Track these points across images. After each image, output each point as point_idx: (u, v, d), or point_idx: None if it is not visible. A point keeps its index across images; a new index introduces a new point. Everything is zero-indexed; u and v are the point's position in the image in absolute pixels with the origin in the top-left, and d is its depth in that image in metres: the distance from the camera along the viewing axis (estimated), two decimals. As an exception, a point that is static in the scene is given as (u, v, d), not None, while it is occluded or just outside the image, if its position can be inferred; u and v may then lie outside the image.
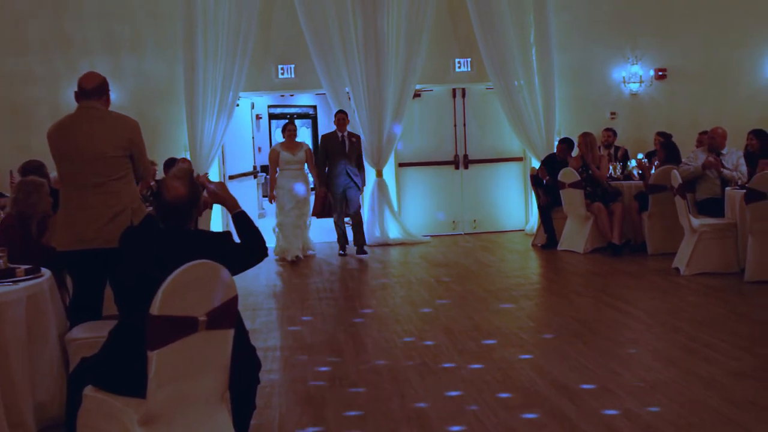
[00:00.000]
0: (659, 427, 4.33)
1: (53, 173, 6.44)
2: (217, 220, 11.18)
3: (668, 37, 12.29)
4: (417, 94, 12.19)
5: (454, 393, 5.05)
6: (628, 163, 10.88)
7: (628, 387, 5.00)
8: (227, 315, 3.52)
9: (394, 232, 11.70)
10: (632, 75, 12.28)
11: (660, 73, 12.34)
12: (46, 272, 4.69)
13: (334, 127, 10.81)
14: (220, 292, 3.47)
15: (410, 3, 11.44)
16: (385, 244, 11.51)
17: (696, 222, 8.39)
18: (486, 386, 5.14)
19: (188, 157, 11.04)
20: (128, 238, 3.80)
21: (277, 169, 10.55)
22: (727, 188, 8.65)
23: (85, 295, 4.96)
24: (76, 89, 5.10)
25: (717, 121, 9.96)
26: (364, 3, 11.38)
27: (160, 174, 9.55)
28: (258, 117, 15.92)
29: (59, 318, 4.71)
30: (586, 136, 10.41)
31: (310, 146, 11.29)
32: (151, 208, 5.81)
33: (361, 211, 10.91)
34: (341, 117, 10.70)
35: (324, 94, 12.02)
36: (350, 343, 6.39)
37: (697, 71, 12.29)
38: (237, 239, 3.91)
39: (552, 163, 10.76)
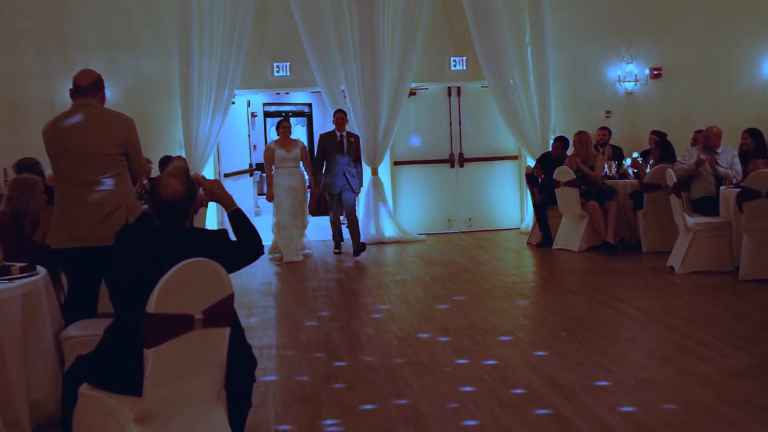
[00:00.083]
0: (654, 425, 4.34)
1: (48, 171, 6.42)
2: (212, 218, 11.17)
3: (663, 36, 12.32)
4: (412, 93, 12.19)
5: (449, 391, 5.05)
6: (623, 162, 10.90)
7: (623, 385, 5.01)
8: (223, 313, 3.51)
9: (389, 231, 11.70)
10: (627, 74, 12.31)
11: (655, 72, 12.36)
12: (41, 270, 4.68)
13: (329, 126, 10.78)
14: (216, 290, 3.46)
15: (406, 1, 11.45)
16: (381, 243, 11.51)
17: (691, 220, 8.41)
18: (482, 384, 5.15)
19: (183, 154, 11.02)
20: (124, 236, 3.79)
21: (273, 166, 10.49)
22: (722, 187, 8.67)
23: (80, 293, 4.95)
24: (71, 87, 5.09)
25: (712, 120, 10.00)
26: (359, 1, 11.38)
27: (155, 172, 9.52)
28: (253, 115, 15.90)
29: (54, 316, 4.70)
30: (581, 135, 10.42)
31: (305, 144, 11.25)
32: (146, 206, 5.81)
33: (356, 212, 10.80)
34: (340, 116, 10.60)
35: (319, 92, 12.00)
36: (346, 341, 6.39)
37: (692, 70, 12.33)
38: (233, 237, 3.90)
39: (547, 162, 10.76)
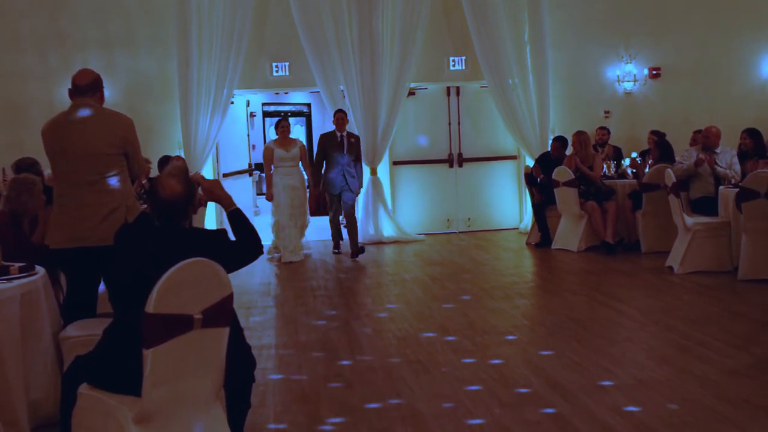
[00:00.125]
0: (653, 425, 4.34)
1: (47, 170, 6.41)
2: (211, 217, 11.17)
3: (662, 36, 12.32)
4: (411, 93, 12.19)
5: (448, 391, 5.05)
6: (622, 162, 10.90)
7: (622, 385, 5.01)
8: (222, 313, 3.51)
9: (388, 231, 11.70)
10: (626, 74, 12.31)
11: (654, 72, 12.37)
12: (40, 270, 4.67)
13: (328, 126, 10.76)
14: (215, 290, 3.46)
15: (405, 1, 11.45)
16: (380, 243, 11.50)
17: (690, 220, 8.41)
18: (480, 384, 5.15)
19: (182, 154, 11.01)
20: (123, 236, 3.79)
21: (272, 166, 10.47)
22: (721, 187, 8.67)
23: (79, 293, 4.95)
24: (70, 86, 5.08)
25: (710, 120, 10.00)
26: (359, 1, 11.38)
27: (154, 172, 9.52)
28: (252, 115, 15.89)
29: (53, 316, 4.69)
30: (580, 135, 10.43)
31: (304, 144, 11.24)
32: (145, 206, 5.81)
33: (356, 213, 10.73)
34: (340, 116, 10.54)
35: (318, 92, 12.00)
36: (345, 341, 6.39)
37: (691, 70, 12.33)
38: (232, 237, 3.90)
39: (546, 162, 10.76)
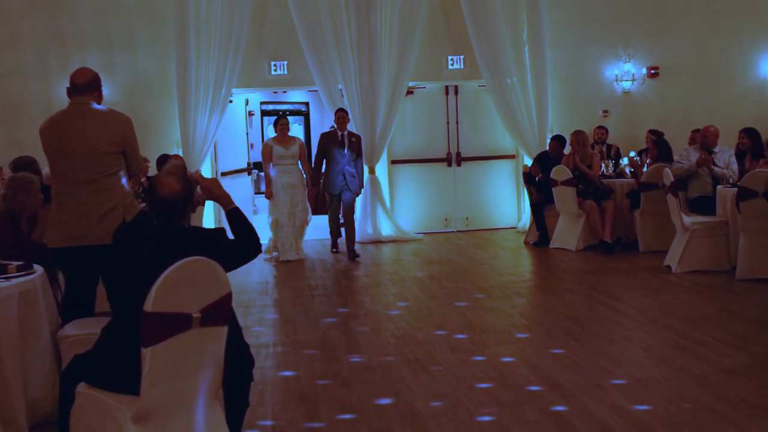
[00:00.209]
0: (651, 424, 4.34)
1: (46, 169, 6.40)
2: (209, 216, 11.16)
3: (661, 36, 12.33)
4: (410, 92, 12.19)
5: (446, 390, 5.05)
6: (620, 161, 10.91)
7: (620, 384, 5.01)
8: (221, 312, 3.51)
9: (386, 230, 11.69)
10: (624, 73, 12.32)
11: (652, 72, 12.38)
12: (38, 269, 4.67)
13: (326, 125, 10.74)
14: (213, 288, 3.46)
15: (404, 0, 11.43)
16: (378, 242, 11.50)
17: (688, 220, 8.42)
18: (479, 383, 5.15)
19: (181, 153, 11.00)
20: (121, 235, 3.79)
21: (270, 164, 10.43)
22: (719, 186, 8.68)
23: (77, 292, 4.94)
24: (68, 85, 5.08)
25: (709, 119, 10.01)
26: (357, 0, 11.37)
27: (152, 171, 9.51)
28: (250, 114, 15.88)
29: (51, 315, 4.69)
30: (578, 134, 10.43)
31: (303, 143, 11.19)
32: (143, 205, 5.80)
33: (354, 214, 10.62)
34: (341, 115, 10.45)
35: (317, 91, 11.99)
36: (343, 340, 6.39)
37: (690, 69, 12.35)
38: (230, 235, 3.90)
39: (544, 161, 10.77)
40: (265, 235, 10.00)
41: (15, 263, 4.60)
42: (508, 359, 5.66)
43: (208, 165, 11.61)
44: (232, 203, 3.97)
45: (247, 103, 13.32)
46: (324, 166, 10.35)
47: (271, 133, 14.98)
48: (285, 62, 11.93)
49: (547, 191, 10.52)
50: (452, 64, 12.34)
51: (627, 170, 10.57)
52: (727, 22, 12.24)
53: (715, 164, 8.87)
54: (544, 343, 6.09)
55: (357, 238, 10.59)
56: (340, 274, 9.45)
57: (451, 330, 6.52)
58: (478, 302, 7.56)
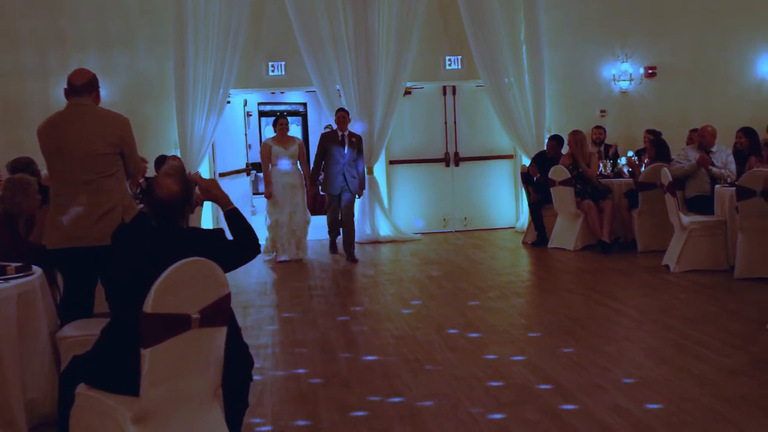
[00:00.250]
0: (651, 424, 4.34)
1: (44, 170, 6.39)
2: (207, 217, 11.14)
3: (658, 35, 12.34)
4: (407, 92, 12.18)
5: (446, 390, 5.05)
6: (618, 161, 10.91)
7: (619, 384, 5.01)
8: (220, 312, 3.51)
9: (384, 230, 11.69)
10: (622, 73, 12.32)
11: (650, 71, 12.39)
12: (37, 270, 4.66)
13: (324, 125, 10.71)
14: (212, 289, 3.46)
15: (401, 0, 11.43)
16: (376, 242, 11.50)
17: (686, 219, 8.42)
18: (478, 383, 5.15)
19: (179, 154, 10.99)
20: (120, 236, 3.78)
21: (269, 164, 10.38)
22: (717, 186, 8.69)
23: (76, 293, 4.94)
24: (65, 86, 5.07)
25: (706, 119, 10.01)
26: (354, 0, 11.37)
27: (150, 171, 9.50)
28: (248, 114, 15.87)
29: (50, 316, 4.68)
30: (576, 134, 10.43)
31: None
32: (141, 206, 5.79)
33: (354, 215, 10.53)
34: (342, 115, 10.38)
35: (314, 91, 11.98)
36: (342, 340, 6.38)
37: (687, 69, 12.36)
38: (229, 236, 3.89)
39: (542, 161, 10.77)
40: (263, 236, 9.99)
41: (14, 264, 4.59)
42: (507, 359, 5.66)
43: (206, 166, 11.59)
44: (231, 204, 3.97)
45: (245, 103, 13.31)
46: (324, 166, 10.29)
47: (268, 133, 14.96)
48: (282, 63, 11.93)
49: (545, 191, 10.53)
50: (450, 65, 12.34)
51: (625, 170, 10.58)
52: (724, 21, 12.25)
53: (713, 164, 8.88)
54: (543, 342, 6.09)
55: (356, 239, 10.56)
56: (339, 274, 9.45)
57: (450, 330, 6.52)
58: (477, 302, 7.56)
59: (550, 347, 5.92)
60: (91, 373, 3.49)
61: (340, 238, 10.70)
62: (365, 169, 10.76)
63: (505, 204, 12.64)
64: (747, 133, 9.89)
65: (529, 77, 11.91)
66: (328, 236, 10.88)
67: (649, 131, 11.09)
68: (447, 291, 8.11)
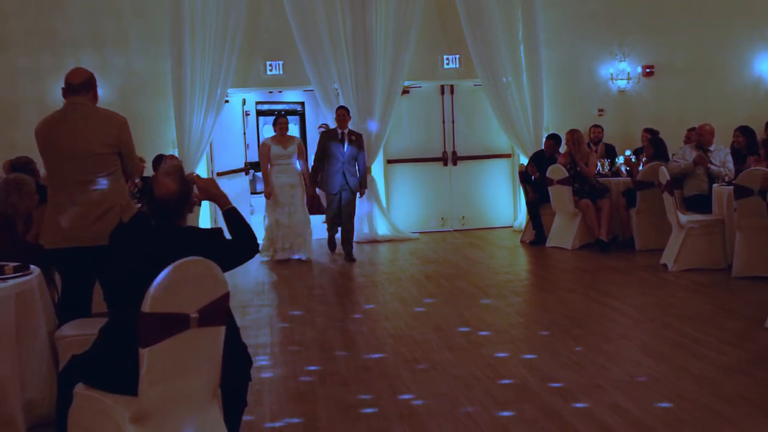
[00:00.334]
0: (649, 422, 4.34)
1: (43, 170, 6.39)
2: (205, 216, 11.13)
3: (656, 34, 12.34)
4: (405, 91, 12.17)
5: (444, 389, 5.05)
6: (616, 160, 10.92)
7: (617, 382, 5.01)
8: (219, 312, 3.50)
9: (382, 229, 11.69)
10: (620, 72, 12.33)
11: (647, 70, 12.40)
12: (35, 269, 4.66)
13: (323, 123, 10.69)
14: (211, 288, 3.45)
15: (399, -1, 11.45)
16: (374, 241, 11.50)
17: (684, 218, 8.43)
18: (477, 382, 5.15)
19: (176, 153, 10.97)
20: (118, 235, 3.78)
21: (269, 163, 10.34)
22: (715, 185, 8.69)
23: (74, 293, 4.93)
24: (63, 85, 5.06)
25: (704, 117, 10.01)
26: (352, -1, 11.38)
27: (148, 171, 9.48)
28: (246, 114, 15.85)
29: (48, 315, 4.68)
30: (573, 133, 10.44)
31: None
32: (139, 205, 5.79)
33: (354, 215, 10.46)
34: (342, 113, 10.31)
35: (312, 90, 11.97)
36: (340, 339, 6.38)
37: (685, 68, 12.36)
38: (227, 235, 3.89)
39: (540, 160, 10.78)
40: (261, 235, 9.99)
41: (12, 264, 4.59)
42: (506, 358, 5.66)
43: (204, 165, 11.58)
44: (229, 203, 3.97)
45: (244, 103, 13.28)
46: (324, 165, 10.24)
47: (266, 132, 14.93)
48: (280, 62, 11.91)
49: (543, 190, 10.53)
50: (448, 64, 12.33)
51: (623, 169, 10.59)
52: (721, 20, 12.25)
53: (711, 163, 8.89)
54: (542, 341, 6.09)
55: (354, 238, 10.54)
56: (337, 273, 9.45)
57: (448, 329, 6.52)
58: (475, 301, 7.56)
59: (548, 346, 5.92)
60: (89, 372, 3.49)
61: (339, 236, 10.68)
62: (366, 168, 10.71)
63: (503, 203, 12.64)
64: (744, 132, 9.91)
65: (527, 76, 11.91)
66: (327, 233, 10.79)
67: (646, 130, 11.12)
68: (445, 290, 8.11)
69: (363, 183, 10.47)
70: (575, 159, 10.18)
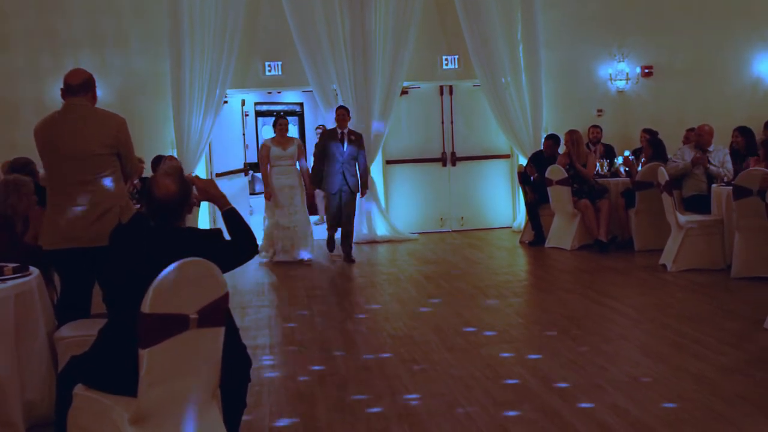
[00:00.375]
0: (648, 422, 4.34)
1: (42, 170, 6.38)
2: (204, 217, 11.13)
3: (655, 35, 12.35)
4: (404, 91, 12.18)
5: (444, 389, 5.05)
6: (615, 160, 10.93)
7: (617, 383, 5.01)
8: (218, 313, 3.50)
9: (381, 230, 11.69)
10: (619, 72, 12.34)
11: (646, 71, 12.40)
12: (34, 270, 4.66)
13: (320, 125, 10.68)
14: (211, 289, 3.45)
15: (398, -1, 11.45)
16: (373, 242, 11.50)
17: (683, 218, 8.43)
18: (476, 383, 5.15)
19: (175, 154, 10.96)
20: (118, 236, 3.78)
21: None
22: (714, 185, 8.70)
23: (73, 294, 4.93)
24: (62, 86, 5.06)
25: (703, 118, 10.02)
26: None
27: (147, 171, 9.48)
28: (245, 114, 15.85)
29: (47, 316, 4.68)
30: (572, 134, 10.44)
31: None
32: (138, 206, 5.78)
33: (353, 216, 10.41)
34: (341, 113, 10.25)
35: (311, 91, 11.96)
36: (340, 340, 6.38)
37: (684, 69, 12.37)
38: (227, 236, 3.89)
39: (539, 160, 10.78)
40: (260, 236, 9.98)
41: (11, 265, 4.59)
42: (505, 358, 5.66)
43: (203, 166, 11.58)
44: (229, 204, 3.97)
45: (243, 103, 13.28)
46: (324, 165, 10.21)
47: (265, 133, 14.92)
48: (279, 63, 11.91)
49: (542, 191, 10.53)
50: (447, 64, 12.33)
51: (622, 169, 10.60)
52: (720, 21, 12.27)
53: (710, 163, 8.89)
54: (541, 342, 6.09)
55: (353, 239, 10.52)
56: (336, 274, 9.45)
57: (447, 329, 6.52)
58: (474, 302, 7.56)
59: (547, 346, 5.93)
60: (88, 373, 3.49)
61: (338, 236, 10.66)
62: (367, 167, 10.69)
63: (502, 204, 12.64)
64: (743, 132, 9.91)
65: (526, 77, 11.91)
66: (326, 233, 10.75)
67: (645, 131, 11.13)
68: (444, 291, 8.11)
69: (364, 183, 10.42)
70: (574, 159, 10.18)
